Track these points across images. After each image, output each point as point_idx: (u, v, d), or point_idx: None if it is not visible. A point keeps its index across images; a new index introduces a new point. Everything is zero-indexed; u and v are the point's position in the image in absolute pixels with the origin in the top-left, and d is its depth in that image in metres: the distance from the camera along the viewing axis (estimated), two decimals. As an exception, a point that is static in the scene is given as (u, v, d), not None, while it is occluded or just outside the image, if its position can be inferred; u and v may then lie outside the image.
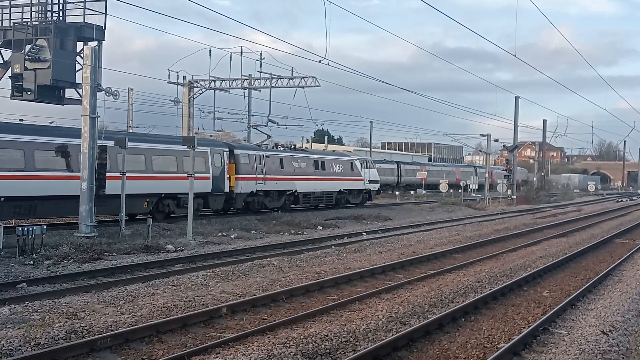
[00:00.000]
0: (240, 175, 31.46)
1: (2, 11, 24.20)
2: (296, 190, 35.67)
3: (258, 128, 41.08)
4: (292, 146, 40.22)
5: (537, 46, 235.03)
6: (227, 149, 31.20)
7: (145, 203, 26.64)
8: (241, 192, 31.65)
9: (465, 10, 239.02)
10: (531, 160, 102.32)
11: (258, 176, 32.61)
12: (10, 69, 23.98)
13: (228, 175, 30.80)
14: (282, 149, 37.04)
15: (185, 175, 24.88)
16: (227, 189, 30.69)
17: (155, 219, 25.32)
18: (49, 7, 23.69)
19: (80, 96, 22.56)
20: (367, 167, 42.90)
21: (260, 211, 32.79)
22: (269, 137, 39.25)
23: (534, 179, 77.75)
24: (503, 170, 56.20)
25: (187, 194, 24.17)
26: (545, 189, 72.12)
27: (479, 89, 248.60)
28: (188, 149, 24.14)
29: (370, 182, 42.90)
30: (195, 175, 24.27)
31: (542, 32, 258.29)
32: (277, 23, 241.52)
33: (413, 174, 67.17)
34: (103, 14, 23.11)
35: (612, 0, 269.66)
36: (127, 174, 23.01)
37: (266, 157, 33.60)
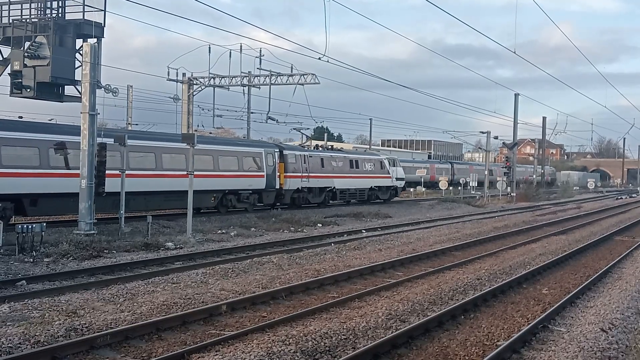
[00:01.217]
0: (288, 174, 34.70)
1: (2, 8, 24.19)
2: (334, 187, 38.97)
3: (301, 130, 43.86)
4: (330, 147, 44.14)
5: (538, 43, 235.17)
6: (277, 150, 34.46)
7: (213, 198, 30.02)
8: (289, 188, 34.96)
9: (467, 7, 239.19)
10: (531, 158, 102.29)
11: (303, 174, 35.94)
12: (9, 66, 23.98)
13: (278, 174, 34.00)
14: (321, 149, 40.51)
15: (245, 173, 30.90)
16: (277, 186, 33.91)
17: (219, 212, 30.10)
18: (48, 4, 23.68)
19: (80, 93, 22.54)
20: (394, 166, 46.18)
21: (302, 206, 36.04)
22: (309, 138, 42.93)
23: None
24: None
25: (247, 190, 31.04)
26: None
27: (479, 86, 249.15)
28: (247, 150, 30.75)
29: (397, 179, 46.06)
30: (252, 173, 30.83)
31: (543, 29, 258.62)
32: (278, 20, 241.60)
33: None
34: (102, 10, 23.11)
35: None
36: (197, 172, 25.26)
37: (309, 157, 36.97)
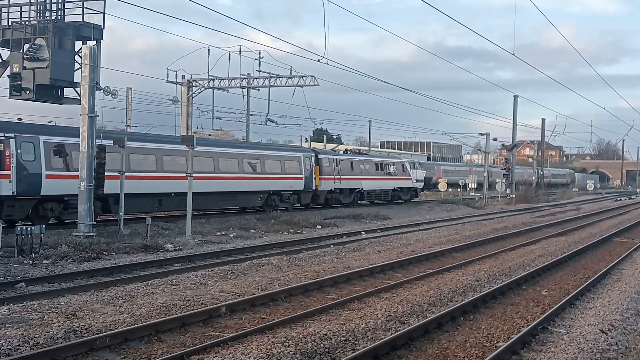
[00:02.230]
0: (323, 176, 37.77)
1: (1, 10, 24.18)
2: (362, 188, 41.95)
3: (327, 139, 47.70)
4: (358, 151, 48.07)
5: (538, 45, 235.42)
6: (314, 154, 37.65)
7: (260, 198, 33.24)
8: (323, 189, 38.06)
9: (467, 9, 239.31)
10: (530, 159, 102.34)
11: (335, 177, 38.92)
12: (8, 68, 23.98)
13: (314, 176, 36.96)
14: (350, 153, 43.71)
15: (287, 175, 34.19)
16: (314, 188, 36.99)
17: (264, 210, 32.94)
18: (48, 7, 23.69)
19: (79, 95, 22.54)
20: (414, 168, 48.95)
21: (333, 206, 38.78)
22: (340, 142, 48.11)
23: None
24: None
25: (288, 191, 34.36)
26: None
27: (479, 87, 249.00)
28: (289, 155, 34.68)
29: (417, 181, 49.17)
30: (293, 176, 34.32)
31: (544, 31, 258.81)
32: (279, 22, 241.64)
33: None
34: (102, 13, 23.12)
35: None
36: (247, 175, 31.31)
37: (341, 160, 39.99)
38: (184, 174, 24.48)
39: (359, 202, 42.14)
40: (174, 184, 26.90)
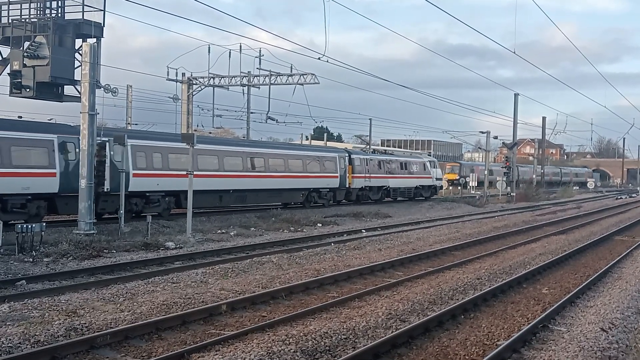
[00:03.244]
0: (355, 175, 40.77)
1: (1, 8, 24.17)
2: (389, 186, 44.85)
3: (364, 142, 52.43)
4: (384, 151, 51.88)
5: (540, 43, 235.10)
6: (347, 155, 40.74)
7: (302, 195, 36.49)
8: (355, 187, 41.09)
9: (469, 7, 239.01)
10: (530, 158, 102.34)
11: (365, 175, 41.90)
12: (8, 65, 23.96)
13: (348, 175, 40.00)
14: (377, 153, 47.23)
15: (325, 174, 37.62)
16: (347, 185, 40.08)
17: (304, 206, 36.27)
18: (48, 4, 23.66)
19: (79, 93, 22.53)
20: (434, 167, 51.77)
21: (363, 202, 41.61)
22: (368, 144, 51.41)
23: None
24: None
25: (325, 188, 37.97)
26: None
27: (480, 85, 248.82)
28: (326, 155, 38.41)
29: (437, 179, 52.03)
30: (330, 174, 37.88)
31: (546, 29, 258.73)
32: (280, 20, 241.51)
33: None
34: (102, 10, 23.10)
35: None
36: (292, 174, 34.87)
37: (370, 160, 43.01)
38: (241, 173, 30.33)
39: (385, 199, 44.75)
40: (233, 181, 30.74)
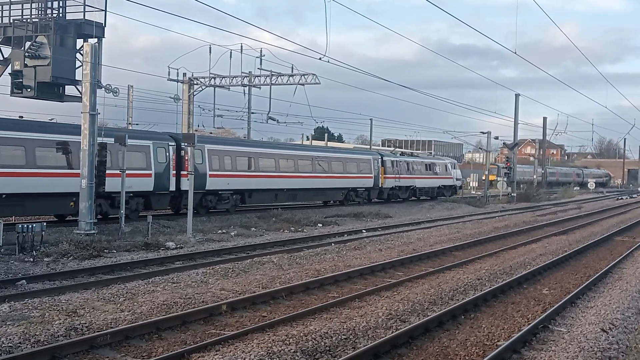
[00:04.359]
0: (387, 175, 44.22)
1: (2, 8, 24.19)
2: (415, 186, 48.24)
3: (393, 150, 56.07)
4: (410, 153, 55.33)
5: (543, 43, 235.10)
6: (380, 157, 44.19)
7: (342, 193, 40.13)
8: (387, 187, 44.61)
9: (472, 7, 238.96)
10: (531, 158, 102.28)
11: (396, 176, 45.33)
12: (10, 65, 23.98)
13: (381, 175, 43.33)
14: (405, 155, 50.24)
15: (361, 175, 41.13)
16: (380, 185, 43.46)
17: (343, 204, 39.68)
18: (49, 4, 23.67)
19: (80, 93, 22.54)
20: (454, 168, 55.46)
21: (392, 201, 45.06)
22: (395, 147, 55.62)
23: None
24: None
25: (361, 187, 41.77)
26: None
27: (482, 86, 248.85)
28: (362, 157, 42.12)
29: (457, 179, 55.45)
30: (365, 175, 41.40)
31: (548, 29, 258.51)
32: (282, 20, 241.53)
33: None
34: (103, 10, 23.11)
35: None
36: (335, 174, 38.49)
37: (399, 162, 46.33)
38: (293, 174, 34.36)
39: (412, 198, 48.14)
40: (286, 181, 34.49)
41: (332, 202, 40.42)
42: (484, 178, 58.60)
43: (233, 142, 34.06)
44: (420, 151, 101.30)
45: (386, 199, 44.75)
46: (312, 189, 37.01)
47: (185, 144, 25.99)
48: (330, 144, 71.65)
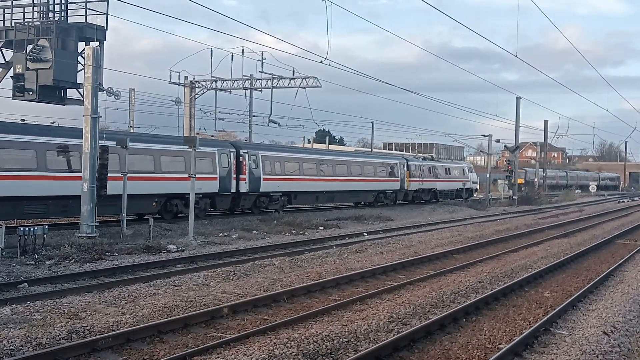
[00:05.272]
0: (412, 179, 47.00)
1: (4, 11, 24.23)
2: (437, 189, 50.88)
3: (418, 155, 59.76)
4: (431, 156, 58.44)
5: (545, 46, 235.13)
6: (406, 161, 47.16)
7: (373, 195, 43.33)
8: (411, 189, 47.38)
9: (474, 10, 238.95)
10: (532, 161, 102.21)
11: (419, 179, 48.04)
12: (11, 69, 24.02)
13: (406, 179, 46.21)
14: (427, 160, 52.85)
15: (390, 178, 44.27)
16: (405, 188, 46.36)
17: (374, 205, 42.54)
18: (51, 7, 23.71)
19: (82, 96, 22.57)
20: (471, 172, 58.05)
21: (416, 202, 47.75)
22: (418, 152, 58.48)
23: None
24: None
25: (390, 190, 44.75)
26: None
27: (483, 89, 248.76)
28: (390, 162, 45.26)
29: (473, 182, 58.07)
30: (393, 178, 44.58)
31: (550, 33, 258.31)
32: (284, 22, 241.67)
33: None
34: (105, 14, 23.14)
35: (622, 0, 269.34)
36: (366, 178, 41.52)
37: (423, 166, 49.12)
38: (331, 177, 37.49)
39: (433, 200, 50.32)
40: (326, 184, 37.52)
41: (362, 203, 43.34)
42: (506, 181, 60.49)
43: (282, 149, 39.03)
44: (421, 154, 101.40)
45: (410, 201, 47.45)
46: (348, 191, 40.37)
47: (245, 151, 31.17)
48: (331, 147, 71.72)
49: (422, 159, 52.32)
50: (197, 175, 24.00)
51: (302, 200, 36.46)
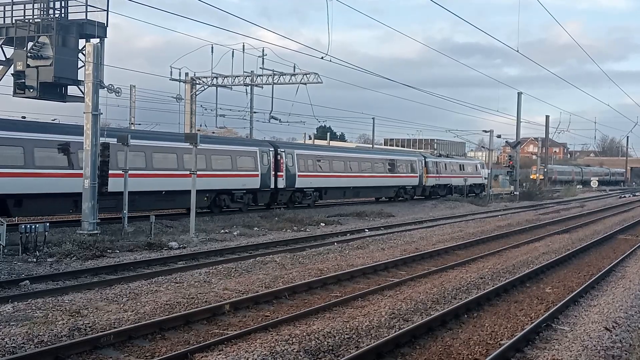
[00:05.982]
0: (429, 175, 49.47)
1: (5, 8, 24.23)
2: (451, 184, 53.09)
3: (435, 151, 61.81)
4: (446, 154, 59.83)
5: (547, 41, 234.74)
6: (423, 158, 49.75)
7: (394, 191, 45.60)
8: (429, 185, 49.77)
9: (475, 6, 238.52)
10: (534, 156, 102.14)
11: (436, 175, 50.57)
12: (12, 66, 24.02)
13: (424, 175, 48.70)
14: (442, 157, 54.94)
15: (408, 174, 46.53)
16: (423, 184, 48.80)
17: (394, 200, 44.99)
18: (51, 4, 23.70)
19: (83, 93, 22.56)
20: (482, 168, 59.98)
21: (433, 197, 49.59)
22: (435, 149, 61.98)
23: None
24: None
25: (408, 185, 47.05)
26: None
27: (485, 84, 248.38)
28: (409, 159, 47.70)
29: (485, 178, 59.27)
30: (411, 174, 46.84)
31: (552, 28, 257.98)
32: (285, 19, 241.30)
33: None
34: (105, 11, 23.14)
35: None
36: (388, 174, 44.19)
37: (439, 163, 51.72)
38: (357, 174, 40.13)
39: (447, 195, 51.74)
40: (352, 180, 40.00)
41: (383, 198, 45.52)
42: (533, 176, 61.14)
43: (314, 148, 42.80)
44: (422, 150, 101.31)
45: (427, 196, 49.55)
46: (372, 187, 42.79)
47: (282, 150, 33.94)
48: (332, 143, 71.65)
49: (438, 156, 54.37)
50: (241, 173, 27.67)
51: (332, 195, 38.88)
